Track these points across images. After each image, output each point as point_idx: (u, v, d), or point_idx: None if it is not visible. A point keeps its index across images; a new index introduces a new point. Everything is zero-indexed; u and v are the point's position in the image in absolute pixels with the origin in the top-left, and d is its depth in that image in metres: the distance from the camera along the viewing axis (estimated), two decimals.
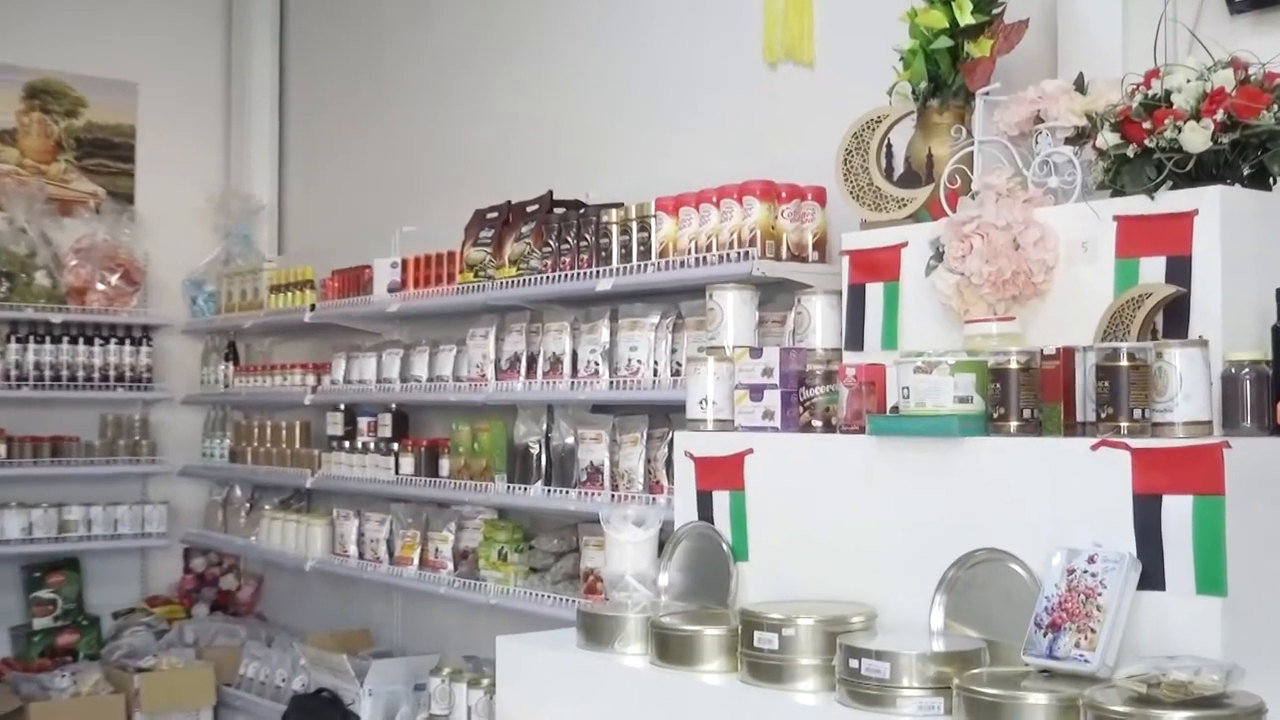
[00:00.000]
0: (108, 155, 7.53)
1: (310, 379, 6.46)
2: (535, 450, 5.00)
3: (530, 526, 5.25)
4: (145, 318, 7.37)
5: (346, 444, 6.07)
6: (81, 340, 7.11)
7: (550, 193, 5.06)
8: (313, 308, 6.31)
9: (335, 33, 7.36)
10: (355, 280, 6.04)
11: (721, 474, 3.46)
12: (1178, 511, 2.56)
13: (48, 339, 7.00)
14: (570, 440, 4.87)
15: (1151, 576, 2.58)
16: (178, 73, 7.72)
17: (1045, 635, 2.60)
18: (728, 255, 4.06)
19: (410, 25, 6.67)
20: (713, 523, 3.51)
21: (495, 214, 5.23)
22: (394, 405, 5.91)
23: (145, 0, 7.63)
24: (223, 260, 7.47)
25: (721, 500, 3.48)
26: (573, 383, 4.75)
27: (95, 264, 7.18)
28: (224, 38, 7.87)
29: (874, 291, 3.41)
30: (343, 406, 6.21)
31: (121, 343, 7.23)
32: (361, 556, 5.92)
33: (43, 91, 7.35)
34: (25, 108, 7.31)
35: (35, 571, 7.06)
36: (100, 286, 7.17)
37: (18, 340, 6.93)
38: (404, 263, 5.69)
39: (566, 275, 4.70)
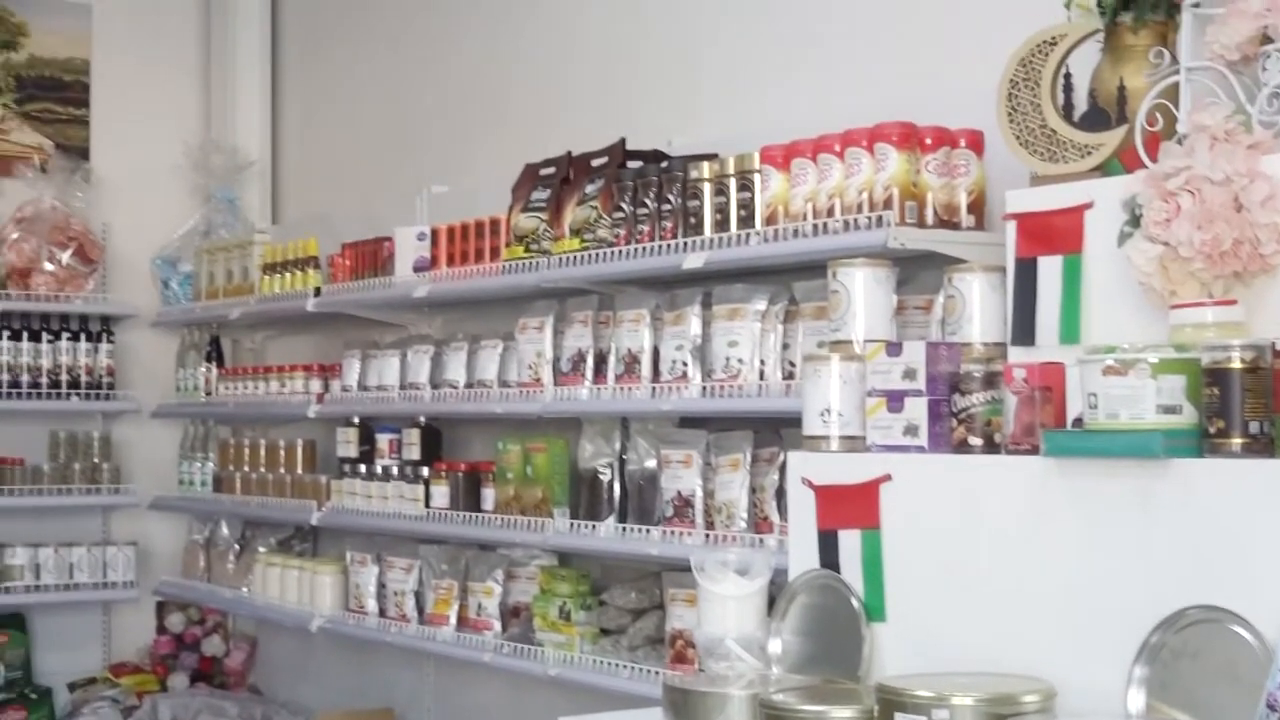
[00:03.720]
0: (55, 98, 7.68)
1: (315, 385, 6.53)
2: (606, 477, 5.01)
3: (600, 576, 5.27)
4: (105, 306, 7.50)
5: (362, 469, 6.13)
6: (25, 335, 7.25)
7: (623, 141, 5.07)
8: (317, 292, 6.38)
9: None
10: (372, 257, 6.09)
11: (850, 508, 3.46)
12: None
13: None
14: (651, 464, 4.87)
15: None
16: None
17: None
18: (855, 221, 4.04)
19: None
20: (839, 571, 3.50)
21: (552, 170, 5.25)
22: (423, 419, 5.96)
23: None
24: (202, 232, 7.58)
25: (850, 542, 3.47)
26: (654, 389, 4.75)
27: (41, 238, 7.31)
28: None
29: (1049, 267, 3.38)
30: (357, 420, 6.27)
31: (75, 338, 7.37)
32: (383, 614, 5.98)
33: None
34: None
35: None
36: (48, 266, 7.31)
37: None
38: (434, 234, 5.73)
39: (645, 249, 4.70)
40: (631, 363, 4.86)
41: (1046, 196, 3.43)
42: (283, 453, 6.80)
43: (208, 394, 7.33)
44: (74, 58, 7.72)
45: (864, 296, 3.73)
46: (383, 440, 6.12)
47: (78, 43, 7.73)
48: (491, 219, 5.44)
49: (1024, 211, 3.46)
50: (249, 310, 6.90)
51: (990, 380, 3.32)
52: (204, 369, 7.39)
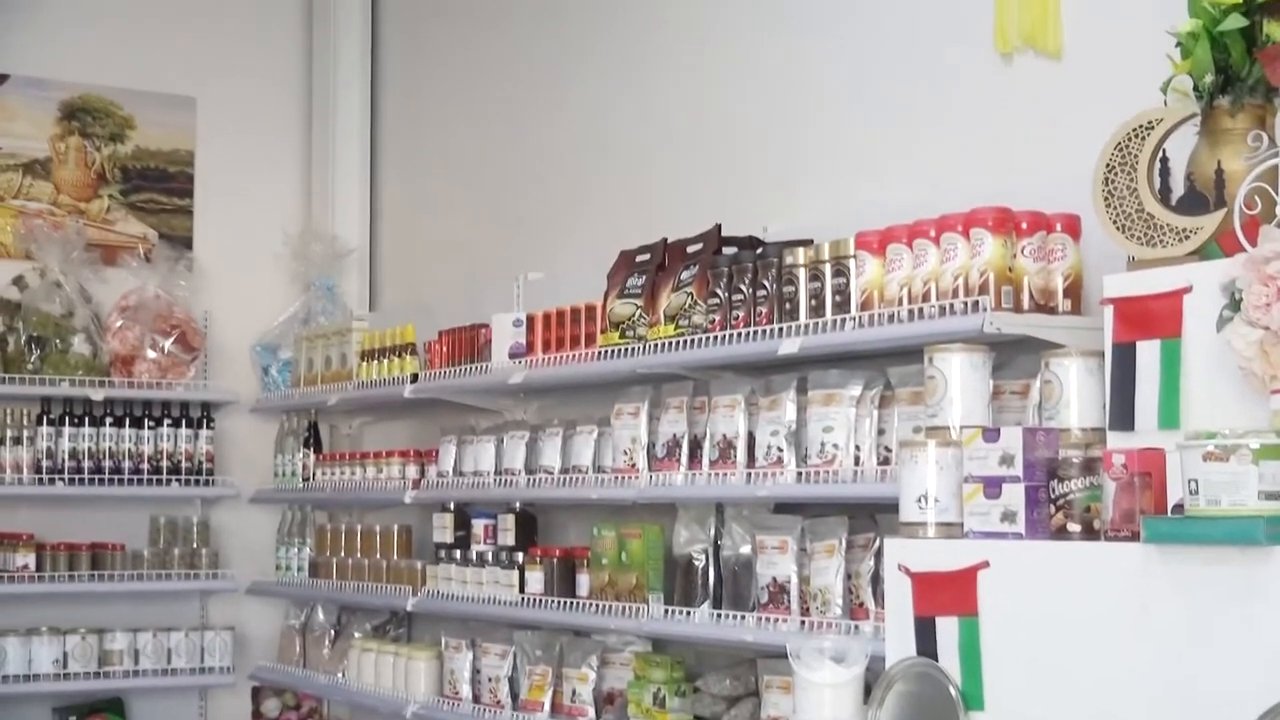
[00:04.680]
0: (160, 189, 7.83)
1: (412, 470, 6.58)
2: (700, 563, 5.00)
3: (695, 662, 5.25)
4: (206, 393, 7.60)
5: (458, 554, 6.16)
6: (128, 422, 7.37)
7: (718, 227, 5.09)
8: (414, 379, 6.44)
9: (440, 34, 7.55)
10: (468, 343, 6.14)
11: (948, 594, 3.43)
12: None
13: (86, 420, 7.28)
14: (746, 550, 4.86)
15: None
16: (246, 85, 8.02)
17: None
18: (951, 306, 4.03)
19: (533, 23, 6.81)
20: (936, 659, 3.47)
21: (647, 256, 5.29)
22: (518, 504, 5.98)
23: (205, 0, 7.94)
24: (301, 319, 7.68)
25: (948, 629, 3.44)
26: (749, 474, 4.75)
27: (145, 326, 7.43)
28: (303, 40, 8.14)
29: (1148, 352, 3.37)
30: (453, 506, 6.30)
31: (176, 425, 7.47)
32: (477, 700, 5.98)
33: (81, 111, 7.69)
34: (61, 131, 7.64)
35: (70, 714, 7.28)
36: (150, 354, 7.42)
37: (50, 422, 7.21)
38: (530, 320, 5.78)
39: (740, 335, 4.72)
40: (726, 448, 4.86)
41: (1144, 281, 3.41)
42: (379, 538, 6.83)
43: (305, 479, 7.40)
44: (178, 149, 7.88)
45: (960, 382, 3.72)
46: (478, 526, 6.14)
47: (182, 135, 7.89)
48: (587, 305, 5.48)
49: (1122, 296, 3.44)
50: (347, 396, 6.97)
51: (1089, 466, 3.30)
52: (302, 455, 7.46)
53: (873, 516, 4.48)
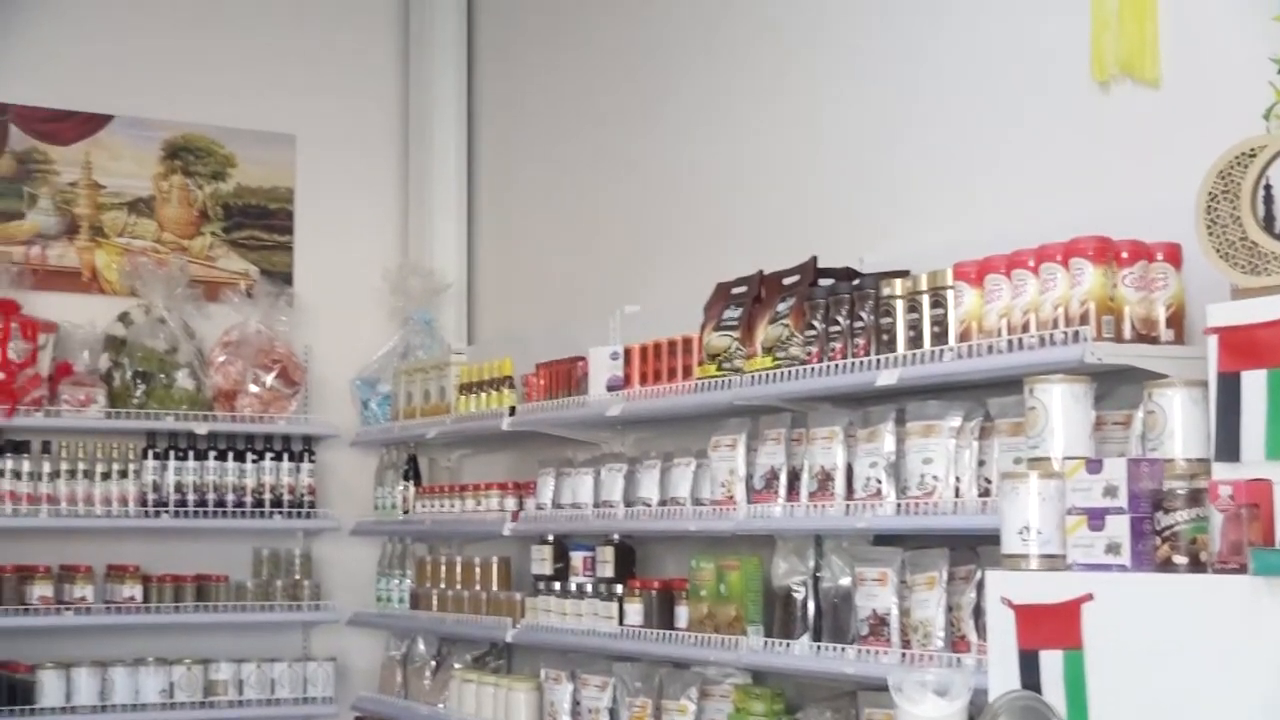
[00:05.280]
0: (260, 226, 7.94)
1: (510, 503, 6.61)
2: (800, 594, 4.98)
3: (795, 695, 5.22)
4: (307, 426, 7.69)
5: (557, 586, 6.17)
6: (231, 455, 7.45)
7: (814, 259, 5.09)
8: (512, 411, 6.47)
9: (534, 70, 7.60)
10: (565, 376, 6.17)
11: (1051, 627, 3.41)
12: None
13: (190, 454, 7.38)
14: (846, 581, 4.84)
15: None
16: (344, 122, 8.12)
17: None
18: (1051, 336, 4.01)
19: (626, 59, 6.85)
20: (1040, 692, 3.44)
21: (743, 288, 5.29)
22: (617, 536, 5.99)
23: (303, 37, 8.07)
24: (400, 353, 7.74)
25: (1052, 662, 3.42)
26: (848, 506, 4.73)
27: (247, 361, 7.53)
28: (399, 77, 8.23)
29: (1253, 382, 3.32)
30: (551, 538, 6.31)
31: (278, 458, 7.55)
32: None
33: (184, 150, 7.82)
34: (164, 170, 7.77)
35: None
36: (253, 388, 7.52)
37: (155, 456, 7.32)
38: (627, 353, 5.80)
39: (838, 366, 4.71)
40: (825, 480, 4.85)
41: (1249, 309, 3.37)
42: (478, 570, 6.86)
43: (405, 512, 7.45)
44: (278, 186, 7.98)
45: (1062, 412, 3.69)
46: (577, 558, 6.15)
47: (282, 172, 7.99)
48: (684, 337, 5.49)
49: (1226, 325, 3.40)
50: (446, 429, 7.01)
51: (1194, 497, 3.26)
52: (402, 487, 7.51)
53: (973, 548, 4.45)
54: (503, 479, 6.83)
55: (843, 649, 4.71)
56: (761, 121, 6.00)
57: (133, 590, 7.19)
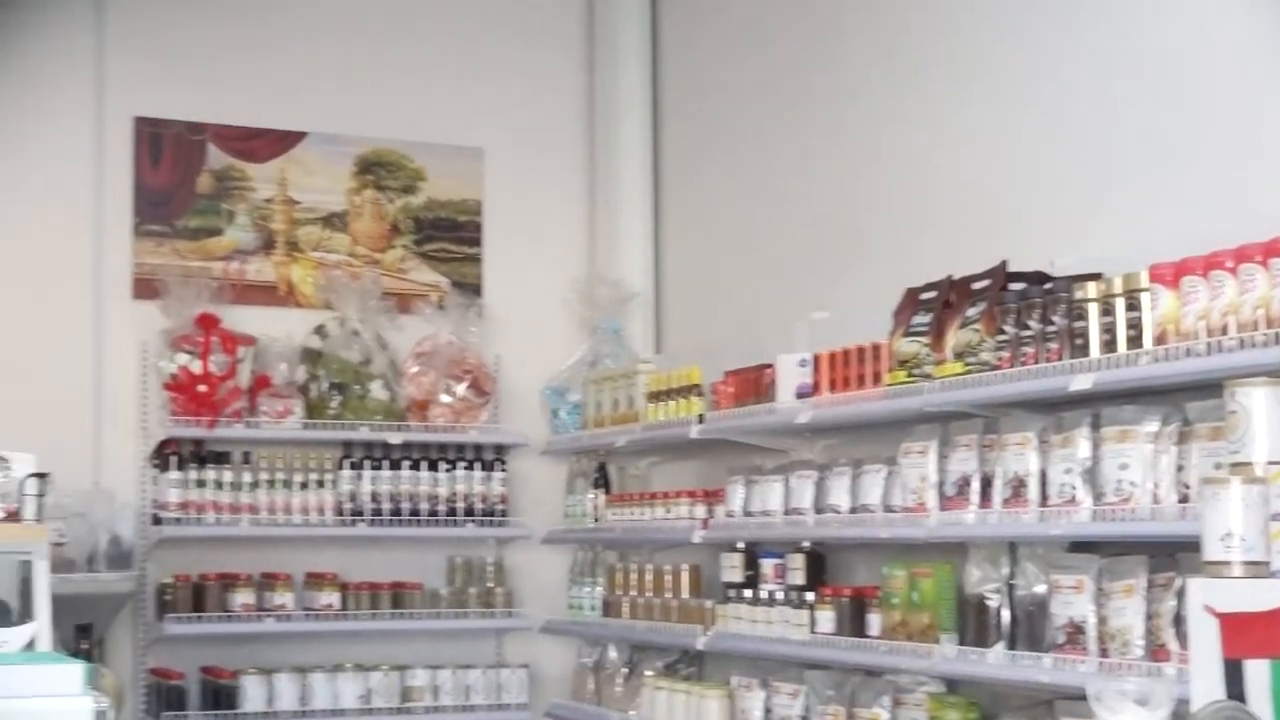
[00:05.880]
0: (450, 238, 8.05)
1: (699, 510, 6.63)
2: (994, 602, 4.94)
3: (989, 703, 5.18)
4: (498, 436, 7.79)
5: (747, 593, 6.18)
6: (424, 464, 7.57)
7: (1004, 263, 5.05)
8: (701, 419, 6.50)
9: (719, 80, 7.62)
10: (754, 384, 6.17)
11: (1257, 636, 3.33)
12: None
13: (385, 464, 7.50)
14: (1041, 589, 4.79)
15: None
16: (531, 134, 8.22)
17: None
18: (1252, 339, 3.93)
19: (812, 64, 6.83)
20: (1245, 702, 3.36)
21: (932, 294, 5.26)
22: (807, 543, 5.98)
23: (490, 53, 8.18)
24: (589, 362, 7.80)
25: (1259, 672, 3.34)
26: (1042, 513, 4.69)
27: (439, 371, 7.65)
28: (585, 89, 8.29)
29: None
30: (741, 545, 6.32)
31: (470, 467, 7.66)
32: None
33: (375, 165, 7.96)
34: (357, 185, 7.92)
35: None
36: (445, 399, 7.63)
37: (351, 465, 7.46)
38: (815, 360, 5.80)
39: (1030, 371, 4.66)
40: (1018, 486, 4.80)
41: None
42: (668, 577, 6.88)
43: (595, 520, 7.51)
44: (467, 199, 8.10)
45: (1265, 416, 3.60)
46: (767, 565, 6.15)
47: (470, 185, 8.11)
48: (873, 344, 5.48)
49: None
50: (635, 437, 7.06)
51: None
52: (592, 495, 7.57)
53: (1173, 555, 4.38)
54: (691, 486, 6.86)
55: (1038, 657, 4.67)
56: (950, 124, 5.95)
57: (330, 597, 7.35)
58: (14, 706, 3.11)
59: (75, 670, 3.19)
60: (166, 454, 7.21)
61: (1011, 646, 4.85)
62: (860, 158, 6.47)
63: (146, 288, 7.41)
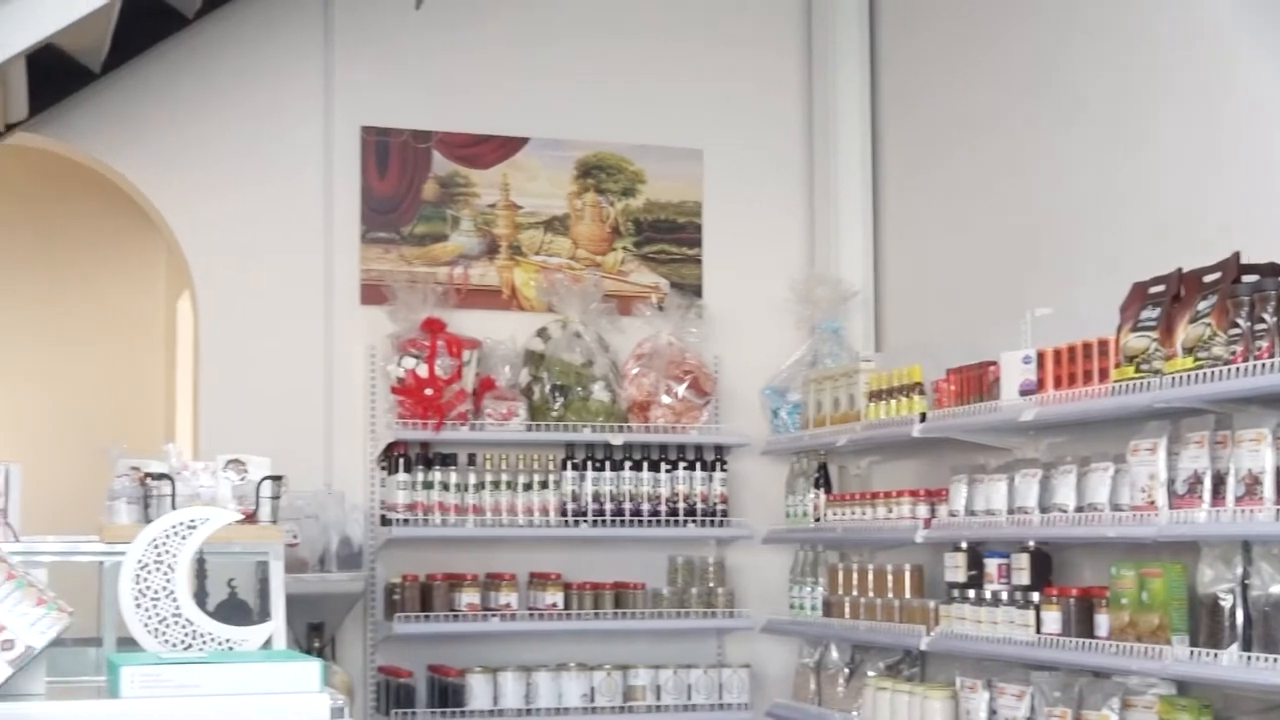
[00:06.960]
0: (670, 239, 8.11)
1: (922, 510, 6.59)
2: (1227, 603, 4.82)
3: (1222, 706, 5.07)
4: (718, 436, 7.82)
5: (971, 594, 6.12)
6: (645, 465, 7.63)
7: (1237, 255, 4.92)
8: (923, 418, 6.46)
9: (938, 76, 7.56)
10: (976, 381, 6.12)
11: None
12: None
13: (607, 464, 7.58)
14: (1277, 589, 4.67)
15: None
16: (749, 134, 8.24)
17: None
18: None
19: (1032, 59, 6.74)
20: None
21: (1161, 287, 5.16)
22: (1032, 543, 5.90)
23: (708, 55, 8.22)
24: (809, 362, 7.80)
25: None
26: (1278, 511, 4.56)
27: (659, 372, 7.71)
28: (803, 87, 8.29)
29: None
30: (964, 545, 6.27)
31: (691, 467, 7.70)
32: None
33: (596, 168, 8.04)
34: (578, 189, 8.02)
35: None
36: (665, 399, 7.69)
37: (574, 466, 7.56)
38: (1039, 356, 5.72)
39: (1264, 366, 4.55)
40: (1253, 484, 4.68)
41: None
42: (890, 577, 6.85)
43: (816, 520, 7.49)
44: (686, 201, 8.14)
45: None
46: (991, 565, 6.09)
47: (690, 186, 8.15)
48: (1099, 340, 5.39)
49: None
50: (856, 437, 7.04)
51: None
52: (813, 495, 7.56)
53: None
54: (913, 486, 6.81)
55: (1275, 659, 4.55)
56: (1177, 114, 5.83)
57: (554, 597, 7.44)
58: (255, 703, 3.20)
59: (313, 668, 3.28)
60: (394, 456, 7.37)
61: (1246, 648, 4.73)
62: (1084, 151, 6.37)
63: (374, 293, 7.58)
